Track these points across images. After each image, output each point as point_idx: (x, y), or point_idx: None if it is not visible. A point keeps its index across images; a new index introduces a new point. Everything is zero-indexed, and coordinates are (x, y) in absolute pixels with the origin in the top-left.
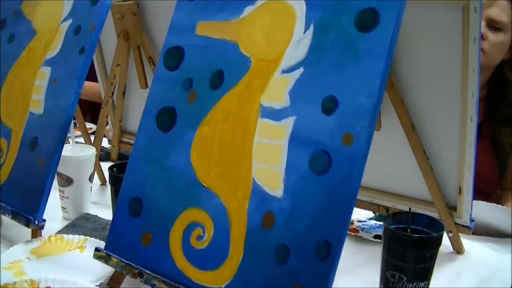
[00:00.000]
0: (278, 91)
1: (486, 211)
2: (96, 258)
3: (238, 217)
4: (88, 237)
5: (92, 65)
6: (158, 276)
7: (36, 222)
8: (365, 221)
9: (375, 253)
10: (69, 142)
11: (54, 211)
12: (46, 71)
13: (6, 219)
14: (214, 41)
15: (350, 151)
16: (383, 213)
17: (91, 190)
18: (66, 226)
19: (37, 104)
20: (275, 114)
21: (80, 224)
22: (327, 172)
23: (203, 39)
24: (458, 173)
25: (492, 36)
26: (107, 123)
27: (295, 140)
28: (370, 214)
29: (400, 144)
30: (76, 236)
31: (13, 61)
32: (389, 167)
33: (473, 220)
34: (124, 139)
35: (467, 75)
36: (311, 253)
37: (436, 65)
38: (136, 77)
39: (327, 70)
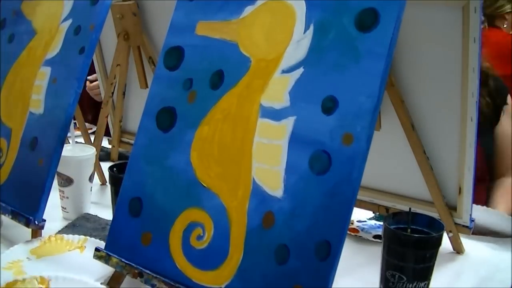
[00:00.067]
0: (278, 91)
1: (483, 215)
2: (96, 258)
3: (238, 217)
4: (88, 237)
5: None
6: (158, 276)
7: (36, 222)
8: (365, 221)
9: (375, 253)
10: (69, 142)
11: (54, 211)
12: (46, 71)
13: (6, 219)
14: (214, 41)
15: (350, 151)
16: (383, 213)
17: (91, 190)
18: (66, 226)
19: (37, 104)
20: (275, 114)
21: (80, 224)
22: (327, 172)
23: (203, 39)
24: (458, 173)
25: None
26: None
27: (295, 140)
28: (370, 214)
29: (400, 144)
30: (76, 236)
31: (13, 61)
32: (389, 167)
33: (473, 220)
34: (124, 139)
35: (467, 75)
36: (311, 253)
37: (436, 65)
38: (136, 77)
39: (327, 70)
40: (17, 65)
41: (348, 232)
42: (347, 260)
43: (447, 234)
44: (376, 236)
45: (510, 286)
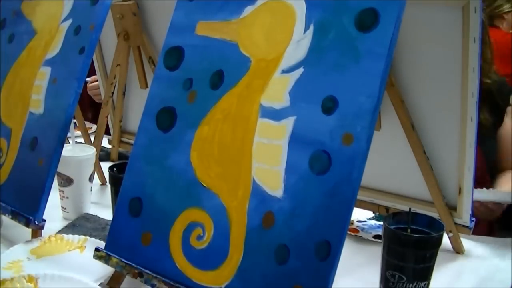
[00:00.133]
0: (278, 91)
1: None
2: (96, 258)
3: (238, 217)
4: (88, 237)
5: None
6: (158, 276)
7: (36, 222)
8: (365, 221)
9: (375, 253)
10: (69, 142)
11: (54, 211)
12: (46, 71)
13: (6, 219)
14: (214, 41)
15: (350, 151)
16: (383, 213)
17: (91, 190)
18: (66, 226)
19: (37, 104)
20: (275, 114)
21: (80, 224)
22: (327, 172)
23: (203, 39)
24: (458, 173)
25: None
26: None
27: (295, 140)
28: (370, 214)
29: (400, 144)
30: (76, 236)
31: (13, 61)
32: (389, 167)
33: (473, 220)
34: (124, 139)
35: (467, 75)
36: (311, 253)
37: (436, 65)
38: (136, 77)
39: (327, 70)
40: (17, 65)
41: (348, 232)
42: (347, 260)
43: (447, 234)
44: (376, 236)
45: (510, 286)
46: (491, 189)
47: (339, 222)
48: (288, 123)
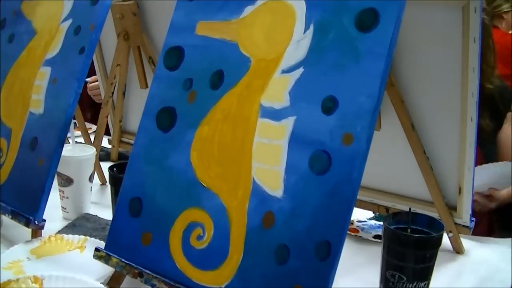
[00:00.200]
0: (278, 91)
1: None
2: (96, 258)
3: (238, 217)
4: (88, 237)
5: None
6: (158, 276)
7: (36, 222)
8: (365, 221)
9: (375, 253)
10: (69, 142)
11: (54, 211)
12: (46, 71)
13: (6, 219)
14: (214, 41)
15: (350, 151)
16: (383, 213)
17: (91, 190)
18: (66, 226)
19: (37, 104)
20: (275, 114)
21: (80, 224)
22: (327, 172)
23: (203, 39)
24: (458, 173)
25: None
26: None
27: (295, 140)
28: (370, 214)
29: (400, 144)
30: (76, 236)
31: (13, 61)
32: (389, 167)
33: (473, 220)
34: (124, 139)
35: (467, 75)
36: (311, 253)
37: (436, 65)
38: (136, 77)
39: (327, 70)
40: (17, 65)
41: (348, 232)
42: (347, 260)
43: (447, 234)
44: (376, 236)
45: (510, 286)
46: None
47: (339, 222)
48: (288, 123)
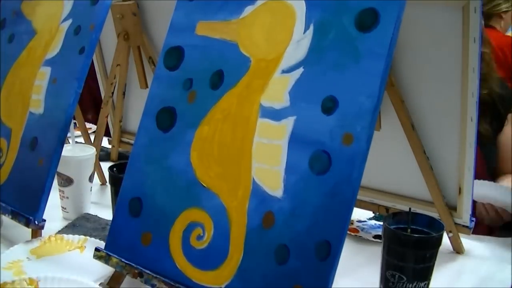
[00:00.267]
0: (278, 91)
1: (490, 189)
2: (96, 258)
3: (238, 217)
4: (88, 237)
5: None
6: (158, 276)
7: (36, 222)
8: (365, 221)
9: (375, 253)
10: (69, 142)
11: (54, 211)
12: (46, 71)
13: (6, 219)
14: (214, 41)
15: (350, 151)
16: (383, 213)
17: (91, 190)
18: (66, 226)
19: (37, 104)
20: (275, 114)
21: (80, 224)
22: (327, 172)
23: (203, 39)
24: (458, 173)
25: None
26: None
27: (295, 140)
28: (370, 214)
29: (400, 144)
30: (76, 236)
31: (13, 61)
32: (389, 167)
33: (473, 220)
34: (124, 139)
35: (467, 75)
36: (311, 253)
37: (436, 65)
38: (136, 77)
39: (327, 70)
40: (17, 65)
41: (348, 232)
42: (347, 260)
43: (447, 234)
44: (376, 236)
45: (510, 286)
46: (492, 182)
47: (339, 222)
48: (288, 123)
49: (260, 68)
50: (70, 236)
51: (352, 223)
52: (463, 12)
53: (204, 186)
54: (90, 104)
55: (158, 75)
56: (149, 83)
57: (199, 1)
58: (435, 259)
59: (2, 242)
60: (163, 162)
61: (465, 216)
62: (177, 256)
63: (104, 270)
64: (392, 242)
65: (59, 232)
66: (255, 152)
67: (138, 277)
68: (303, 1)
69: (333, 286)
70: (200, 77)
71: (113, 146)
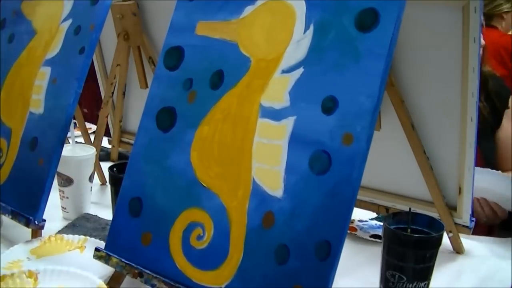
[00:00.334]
0: (278, 91)
1: (485, 177)
2: (96, 258)
3: (238, 217)
4: (88, 237)
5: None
6: (158, 276)
7: (36, 222)
8: (366, 221)
9: (375, 253)
10: (69, 142)
11: (54, 211)
12: (46, 71)
13: (6, 219)
14: (214, 41)
15: (350, 151)
16: (383, 213)
17: (91, 190)
18: (66, 226)
19: (37, 104)
20: (275, 114)
21: (80, 224)
22: (327, 172)
23: (203, 39)
24: (458, 173)
25: None
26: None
27: (295, 140)
28: (373, 214)
29: (400, 144)
30: (76, 236)
31: (13, 61)
32: (389, 167)
33: (473, 220)
34: (124, 139)
35: (467, 75)
36: (311, 253)
37: (436, 65)
38: (136, 77)
39: (327, 70)
40: (17, 65)
41: None
42: (347, 260)
43: (447, 234)
44: (373, 236)
45: (510, 286)
46: (494, 170)
47: (339, 222)
48: (288, 123)
49: (260, 68)
50: (70, 236)
51: (352, 222)
52: (463, 12)
53: (204, 186)
54: (96, 103)
55: (158, 75)
56: (149, 83)
57: (199, 1)
58: (435, 259)
59: (2, 242)
60: (163, 162)
61: (465, 216)
62: (177, 256)
63: (104, 270)
64: (392, 242)
65: (59, 232)
66: (255, 152)
67: (138, 277)
68: (303, 1)
69: (333, 286)
70: (200, 77)
71: (113, 146)
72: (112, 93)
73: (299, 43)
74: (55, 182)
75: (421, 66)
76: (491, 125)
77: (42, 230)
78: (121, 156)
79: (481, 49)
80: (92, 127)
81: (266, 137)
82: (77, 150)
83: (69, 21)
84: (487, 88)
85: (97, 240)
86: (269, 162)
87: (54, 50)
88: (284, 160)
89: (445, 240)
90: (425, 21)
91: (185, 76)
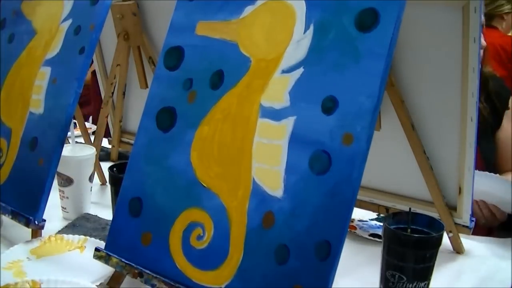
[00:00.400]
0: (278, 91)
1: (483, 180)
2: (96, 258)
3: (238, 217)
4: (88, 237)
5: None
6: (158, 276)
7: (36, 222)
8: (367, 221)
9: (375, 253)
10: (69, 142)
11: (54, 211)
12: (46, 71)
13: (6, 219)
14: (214, 41)
15: (350, 151)
16: (383, 213)
17: (91, 190)
18: (66, 226)
19: (37, 104)
20: (275, 114)
21: (80, 224)
22: (327, 172)
23: (203, 39)
24: (458, 173)
25: None
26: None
27: (295, 140)
28: (372, 214)
29: (400, 144)
30: (76, 236)
31: (13, 61)
32: (389, 167)
33: (473, 220)
34: (124, 139)
35: (467, 75)
36: (311, 253)
37: (436, 65)
38: (136, 77)
39: (327, 70)
40: (17, 65)
41: None
42: (347, 260)
43: (447, 234)
44: (372, 235)
45: (510, 286)
46: (493, 174)
47: (339, 222)
48: (288, 123)
49: (260, 68)
50: (70, 236)
51: (352, 221)
52: (463, 12)
53: (204, 186)
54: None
55: (158, 75)
56: (149, 83)
57: (199, 1)
58: (435, 259)
59: (2, 242)
60: (163, 162)
61: (465, 216)
62: (177, 256)
63: (104, 270)
64: (392, 242)
65: (59, 232)
66: (255, 152)
67: (138, 277)
68: (303, 1)
69: (333, 286)
70: (200, 77)
71: (113, 146)
72: (112, 93)
73: (299, 43)
74: (55, 182)
75: (421, 66)
76: (491, 126)
77: (42, 230)
78: (121, 156)
79: (482, 50)
80: (92, 127)
81: (266, 137)
82: (77, 150)
83: (69, 21)
84: (488, 89)
85: (97, 240)
86: (269, 162)
87: (54, 50)
88: (284, 160)
89: (445, 240)
90: (425, 21)
91: (185, 76)
